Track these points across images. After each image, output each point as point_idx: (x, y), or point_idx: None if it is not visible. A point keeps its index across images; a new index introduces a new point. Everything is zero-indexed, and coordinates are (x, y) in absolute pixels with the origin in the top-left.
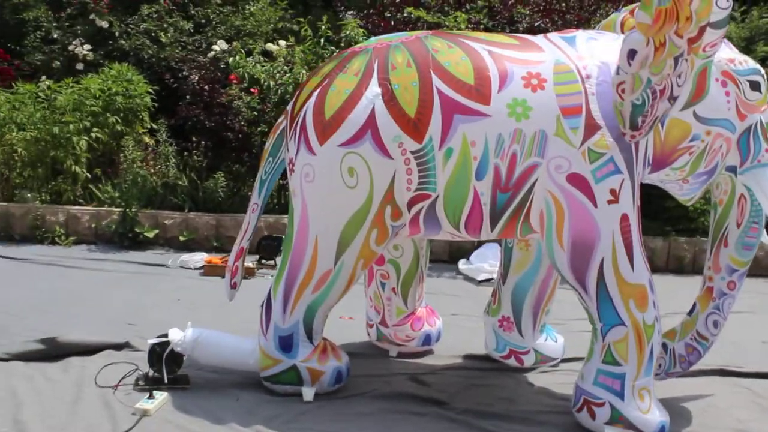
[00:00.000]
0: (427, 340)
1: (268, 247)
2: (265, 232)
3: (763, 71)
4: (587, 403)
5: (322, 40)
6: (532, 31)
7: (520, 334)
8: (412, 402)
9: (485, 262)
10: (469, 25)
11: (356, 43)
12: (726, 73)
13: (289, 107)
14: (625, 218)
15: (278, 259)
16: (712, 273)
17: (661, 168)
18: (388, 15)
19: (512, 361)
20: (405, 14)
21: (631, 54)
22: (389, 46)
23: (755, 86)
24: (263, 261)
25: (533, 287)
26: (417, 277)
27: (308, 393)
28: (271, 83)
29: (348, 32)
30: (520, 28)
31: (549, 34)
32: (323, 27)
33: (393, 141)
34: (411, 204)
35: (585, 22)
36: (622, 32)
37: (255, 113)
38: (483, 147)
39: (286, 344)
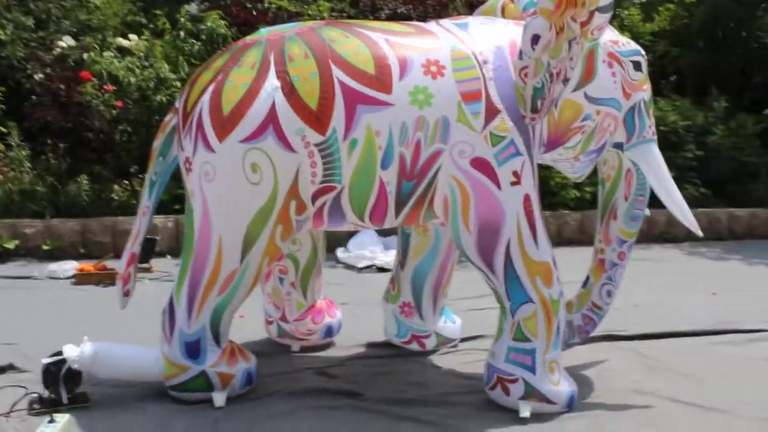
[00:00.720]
0: (329, 332)
1: (141, 249)
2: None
3: (643, 51)
4: (501, 380)
5: (182, 33)
6: (395, 17)
7: (421, 319)
8: (325, 396)
9: (365, 249)
10: (333, 14)
11: (218, 35)
12: (611, 55)
13: (179, 104)
14: (527, 199)
15: (153, 262)
16: (603, 245)
17: (555, 148)
18: (249, 6)
19: (414, 346)
20: (266, 4)
21: (535, 39)
22: (283, 37)
23: (637, 66)
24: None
25: (432, 271)
26: (316, 270)
27: (219, 398)
28: (131, 80)
29: (209, 24)
30: (383, 15)
31: (441, 21)
32: (182, 20)
33: (296, 134)
34: (315, 197)
35: (443, 8)
36: (503, 17)
37: (115, 111)
38: (387, 136)
39: (193, 350)
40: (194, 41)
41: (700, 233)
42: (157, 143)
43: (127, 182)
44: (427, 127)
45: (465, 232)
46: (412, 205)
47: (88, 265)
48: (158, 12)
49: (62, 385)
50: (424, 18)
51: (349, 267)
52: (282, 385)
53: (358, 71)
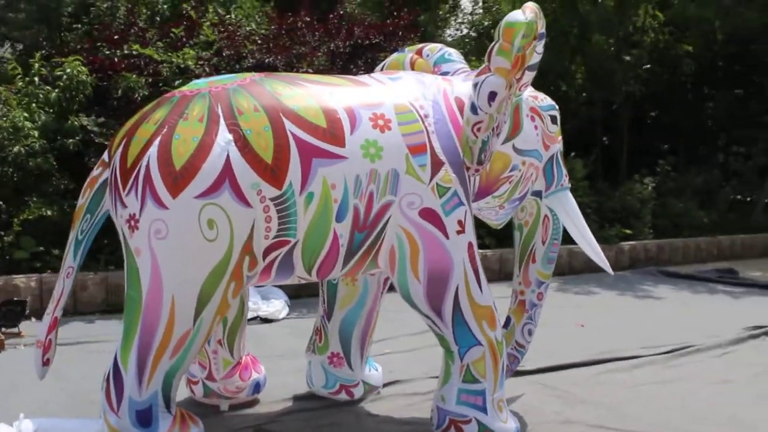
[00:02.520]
0: (257, 387)
1: (9, 313)
2: None
3: (557, 107)
4: (453, 422)
5: (36, 80)
6: (262, 67)
7: (350, 368)
8: None
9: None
10: (199, 62)
11: (79, 82)
12: (533, 109)
13: (115, 159)
14: (470, 246)
15: (22, 326)
16: (523, 287)
17: (484, 197)
18: (108, 52)
19: (342, 396)
20: (126, 51)
21: (492, 96)
22: (227, 89)
23: (554, 120)
24: (4, 329)
25: (360, 320)
26: (242, 326)
27: None
28: None
29: (68, 70)
30: (246, 64)
31: (375, 75)
32: (36, 65)
33: (251, 188)
34: (267, 252)
35: (309, 56)
36: (413, 70)
37: None
38: (343, 189)
39: (145, 419)
40: (49, 88)
41: (611, 271)
42: (83, 200)
43: None
44: (379, 179)
45: (414, 281)
46: (359, 257)
47: None
48: (8, 56)
49: None
50: (289, 68)
51: None
52: None
53: (310, 125)
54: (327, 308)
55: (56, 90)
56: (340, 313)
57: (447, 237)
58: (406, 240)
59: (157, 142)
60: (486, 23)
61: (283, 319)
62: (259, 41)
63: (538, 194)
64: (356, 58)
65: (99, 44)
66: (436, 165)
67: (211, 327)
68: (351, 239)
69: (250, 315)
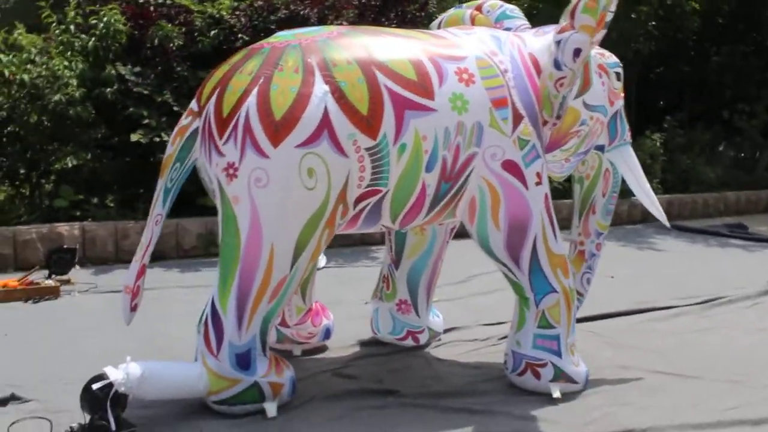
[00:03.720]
0: (327, 333)
1: (60, 260)
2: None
3: (620, 64)
4: (530, 365)
5: (72, 28)
6: (294, 19)
7: (417, 315)
8: (364, 397)
9: None
10: (235, 12)
11: (116, 30)
12: (601, 66)
13: (208, 108)
14: (546, 197)
15: (73, 273)
16: (582, 238)
17: (553, 150)
18: (142, 1)
19: (409, 342)
20: (163, 0)
21: (577, 52)
22: (316, 41)
23: (618, 77)
24: (54, 276)
25: (427, 269)
26: (313, 273)
27: (272, 408)
28: (26, 77)
29: (105, 19)
30: (280, 15)
31: (451, 29)
32: (71, 13)
33: (348, 139)
34: (359, 200)
35: (340, 8)
36: (473, 25)
37: (2, 112)
38: (433, 140)
39: (245, 361)
40: (85, 36)
41: (668, 224)
42: (173, 148)
43: (10, 186)
44: (465, 131)
45: (494, 230)
46: (441, 207)
47: (12, 281)
48: (42, 2)
49: (110, 411)
50: (322, 21)
51: None
52: (312, 391)
53: (401, 78)
54: (395, 256)
55: (93, 38)
56: (409, 261)
57: (527, 188)
58: (488, 190)
59: (255, 91)
60: None
61: (324, 268)
62: None
63: (600, 148)
64: (387, 11)
65: None
66: (517, 118)
67: (305, 273)
68: (437, 189)
69: (323, 263)
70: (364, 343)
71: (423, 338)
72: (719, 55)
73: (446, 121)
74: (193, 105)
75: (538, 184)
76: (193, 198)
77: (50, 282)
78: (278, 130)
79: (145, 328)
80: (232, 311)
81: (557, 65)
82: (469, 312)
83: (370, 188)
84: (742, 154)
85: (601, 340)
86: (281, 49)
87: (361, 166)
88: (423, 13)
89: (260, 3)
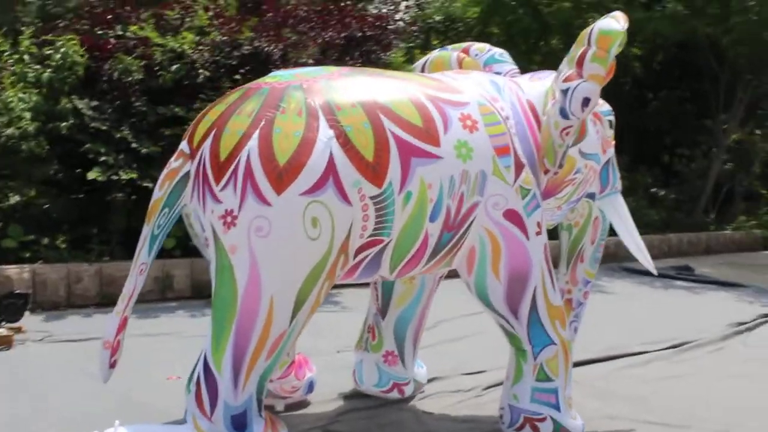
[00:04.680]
0: (311, 387)
1: (11, 306)
2: None
3: (613, 111)
4: (529, 420)
5: (26, 57)
6: (257, 56)
7: (403, 366)
8: None
9: None
10: (198, 47)
11: (73, 62)
12: (595, 114)
13: (203, 151)
14: (545, 248)
15: (23, 320)
16: (570, 286)
17: (547, 198)
18: (100, 33)
19: (394, 394)
20: (120, 32)
21: (586, 102)
22: (318, 82)
23: (611, 125)
24: (5, 323)
25: (415, 318)
26: None
27: None
28: None
29: (63, 50)
30: (243, 51)
31: (448, 74)
32: (25, 42)
33: (353, 186)
34: (359, 251)
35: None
36: (461, 69)
37: None
38: (438, 189)
39: (240, 423)
40: (40, 67)
41: (655, 272)
42: (161, 193)
43: None
44: (469, 180)
45: (494, 281)
46: (440, 257)
47: None
48: None
49: None
50: (285, 56)
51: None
52: None
53: (407, 123)
54: (382, 306)
55: (48, 70)
56: (396, 311)
57: (528, 238)
58: (489, 240)
59: (256, 135)
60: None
61: None
62: (253, 31)
63: (591, 196)
64: (351, 50)
65: (84, 23)
66: (519, 167)
67: (303, 327)
68: (439, 239)
69: None
70: (346, 396)
71: (408, 390)
72: (657, 100)
73: (451, 170)
74: (184, 147)
75: (539, 233)
76: None
77: (2, 330)
78: (282, 176)
79: (111, 383)
80: (228, 369)
81: (564, 114)
82: (445, 360)
83: (372, 238)
84: (682, 197)
85: (583, 388)
86: (282, 90)
87: (365, 215)
88: (386, 54)
89: (224, 38)
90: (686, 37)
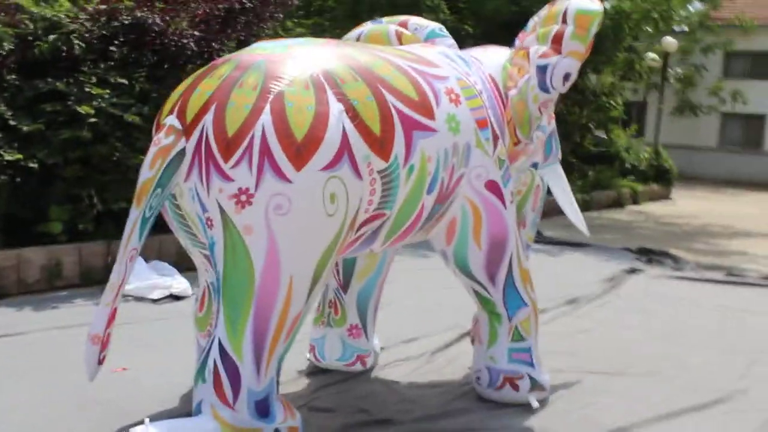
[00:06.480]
0: None
1: None
2: None
3: None
4: (508, 379)
5: None
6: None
7: (366, 338)
8: (363, 427)
9: (152, 277)
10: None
11: None
12: None
13: (204, 126)
14: (515, 215)
15: None
16: None
17: None
18: None
19: (357, 366)
20: None
21: (567, 77)
22: (314, 54)
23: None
24: None
25: (375, 290)
26: None
27: None
28: None
29: None
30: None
31: (415, 46)
32: None
33: (363, 161)
34: (362, 225)
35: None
36: (400, 44)
37: None
38: (436, 162)
39: (264, 409)
40: None
41: (588, 234)
42: (152, 173)
43: None
44: (458, 152)
45: (475, 249)
46: (426, 228)
47: None
48: None
49: None
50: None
51: (140, 299)
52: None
53: (405, 97)
54: (343, 280)
55: None
56: (358, 284)
57: (505, 207)
58: (471, 210)
59: (267, 109)
60: None
61: (194, 294)
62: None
63: (534, 165)
64: (232, 22)
65: None
66: (495, 139)
67: (315, 303)
68: (431, 211)
69: (160, 294)
70: (309, 373)
71: (370, 362)
72: None
73: (445, 142)
74: (173, 122)
75: (512, 202)
76: (31, 225)
77: None
78: (300, 152)
79: (44, 380)
80: (249, 355)
81: (545, 88)
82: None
83: (376, 212)
84: None
85: None
86: (281, 63)
87: (372, 189)
88: (266, 26)
89: (102, 7)
90: None
